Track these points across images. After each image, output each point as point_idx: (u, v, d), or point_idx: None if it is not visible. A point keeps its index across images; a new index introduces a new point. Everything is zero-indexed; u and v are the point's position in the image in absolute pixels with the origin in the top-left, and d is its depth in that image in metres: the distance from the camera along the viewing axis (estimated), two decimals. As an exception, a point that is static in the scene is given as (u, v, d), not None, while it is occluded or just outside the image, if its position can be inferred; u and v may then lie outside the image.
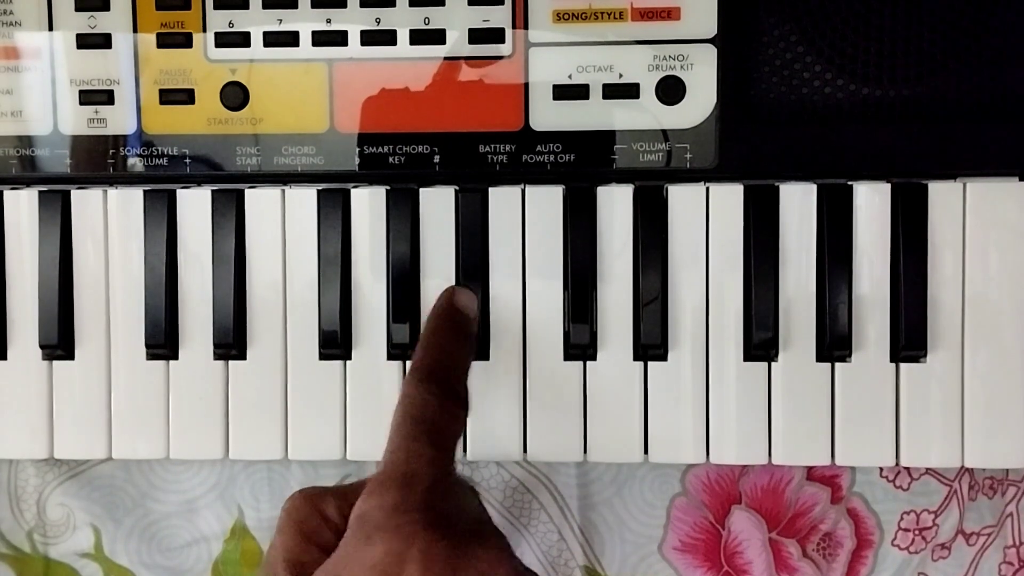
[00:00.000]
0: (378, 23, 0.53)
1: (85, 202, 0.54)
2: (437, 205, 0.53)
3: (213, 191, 0.54)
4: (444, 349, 0.48)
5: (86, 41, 0.54)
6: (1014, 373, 0.51)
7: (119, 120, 0.54)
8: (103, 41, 0.53)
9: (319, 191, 0.53)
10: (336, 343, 0.53)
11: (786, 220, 0.52)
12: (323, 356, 0.53)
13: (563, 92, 0.52)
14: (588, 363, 0.52)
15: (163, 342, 0.53)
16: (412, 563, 0.40)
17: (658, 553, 0.58)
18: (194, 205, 0.54)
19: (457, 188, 0.53)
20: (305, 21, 0.53)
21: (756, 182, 0.52)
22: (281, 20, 0.53)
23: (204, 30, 0.53)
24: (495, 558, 0.41)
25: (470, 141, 0.53)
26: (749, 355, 0.52)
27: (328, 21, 0.53)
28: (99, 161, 0.54)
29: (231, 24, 0.53)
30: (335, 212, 0.53)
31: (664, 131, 0.52)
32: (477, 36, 0.52)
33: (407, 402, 0.45)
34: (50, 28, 0.54)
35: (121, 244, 0.54)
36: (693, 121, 0.52)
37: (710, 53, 0.52)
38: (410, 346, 0.53)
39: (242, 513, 0.59)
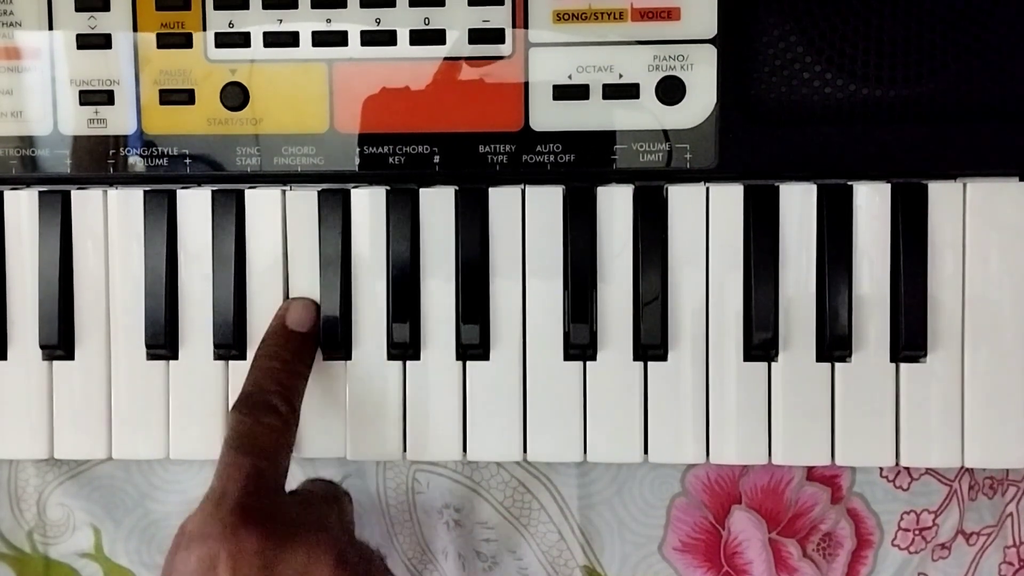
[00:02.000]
0: (378, 23, 0.53)
1: (85, 202, 0.54)
2: (437, 205, 0.53)
3: (213, 191, 0.54)
4: (261, 372, 0.50)
5: (86, 41, 0.54)
6: (1014, 373, 0.51)
7: (119, 120, 0.54)
8: (103, 41, 0.54)
9: (319, 191, 0.53)
10: (336, 343, 0.53)
11: (786, 220, 0.52)
12: (324, 356, 0.53)
13: (563, 92, 0.52)
14: (588, 363, 0.52)
15: (163, 342, 0.53)
16: (222, 564, 0.42)
17: (658, 553, 0.58)
18: (194, 205, 0.54)
19: (457, 188, 0.53)
20: (305, 21, 0.53)
21: (756, 182, 0.52)
22: (281, 20, 0.53)
23: (204, 30, 0.53)
24: (315, 552, 0.43)
25: (470, 141, 0.53)
26: (749, 355, 0.52)
27: (328, 21, 0.53)
28: (99, 161, 0.54)
29: (231, 24, 0.53)
30: (335, 212, 0.53)
31: (664, 131, 0.52)
32: (477, 36, 0.52)
33: (226, 431, 0.47)
34: (50, 28, 0.54)
35: (121, 244, 0.54)
36: (693, 121, 0.52)
37: (710, 53, 0.52)
38: (410, 346, 0.53)
39: (242, 513, 0.59)
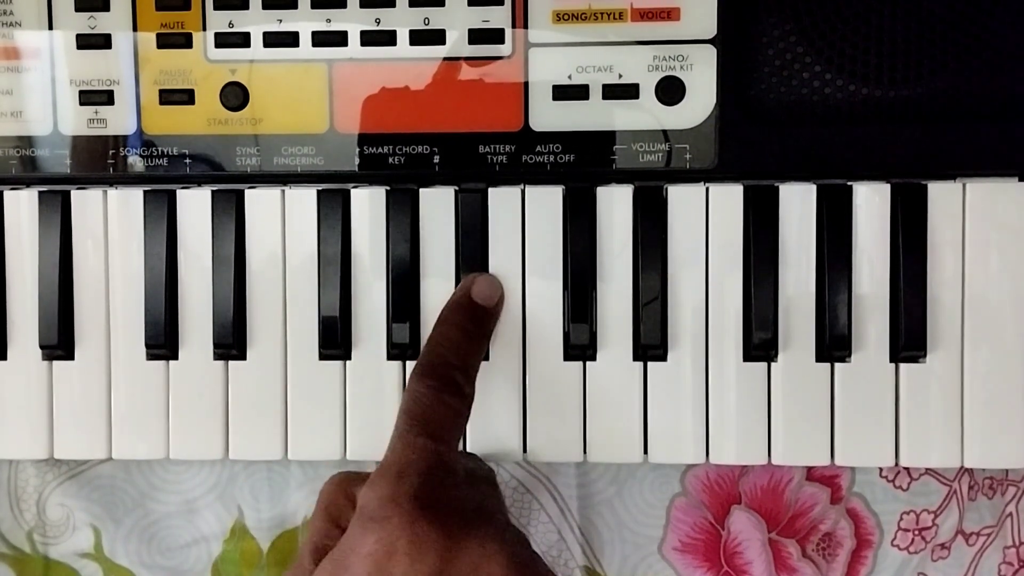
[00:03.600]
0: (378, 23, 0.53)
1: (85, 202, 0.54)
2: (437, 205, 0.53)
3: (213, 191, 0.54)
4: (447, 343, 0.49)
5: (86, 41, 0.54)
6: (1014, 373, 0.51)
7: (119, 120, 0.54)
8: (103, 41, 0.54)
9: (319, 191, 0.53)
10: (336, 343, 0.53)
11: (786, 220, 0.52)
12: (323, 356, 0.53)
13: (563, 92, 0.52)
14: (588, 363, 0.52)
15: (163, 342, 0.53)
16: (401, 553, 0.41)
17: (658, 553, 0.58)
18: (194, 205, 0.54)
19: (457, 188, 0.53)
20: (305, 21, 0.53)
21: (756, 182, 0.52)
22: (281, 20, 0.53)
23: (204, 30, 0.53)
24: (489, 548, 0.42)
25: (470, 141, 0.53)
26: (749, 355, 0.52)
27: (328, 21, 0.53)
28: (99, 161, 0.54)
29: (231, 24, 0.53)
30: (335, 212, 0.53)
31: (664, 131, 0.52)
32: (477, 36, 0.52)
33: (406, 398, 0.47)
34: (50, 28, 0.54)
35: (121, 244, 0.54)
36: (693, 121, 0.52)
37: (710, 53, 0.52)
38: (410, 346, 0.53)
39: (242, 513, 0.59)
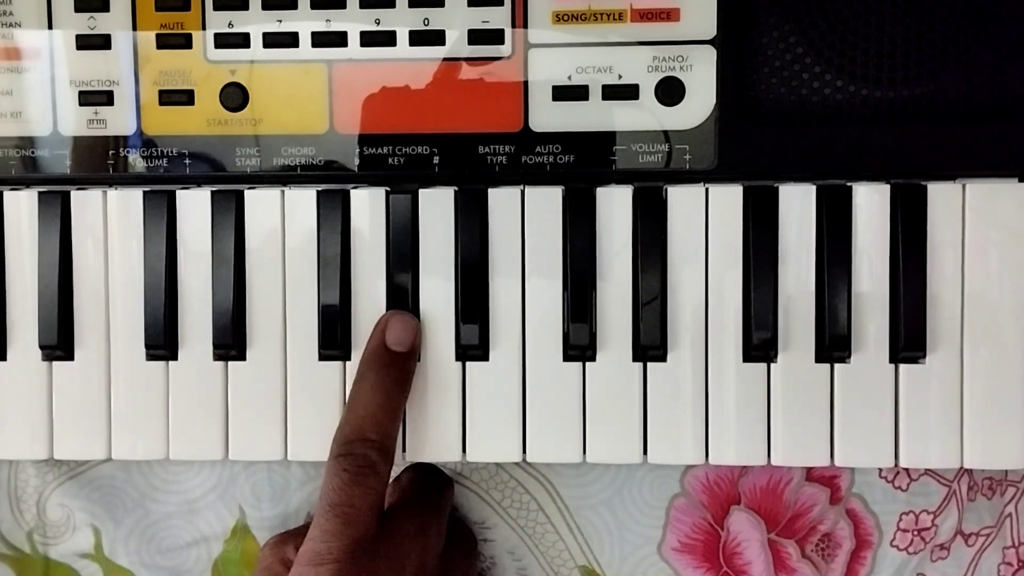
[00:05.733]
0: (378, 24, 0.53)
1: (85, 202, 0.54)
2: (437, 206, 0.53)
3: (213, 192, 0.54)
4: (365, 411, 0.50)
5: (86, 42, 0.54)
6: (1014, 373, 0.51)
7: (119, 121, 0.54)
8: (103, 42, 0.54)
9: (319, 192, 0.53)
10: (336, 343, 0.53)
11: (785, 221, 0.52)
12: (323, 356, 0.53)
13: (563, 93, 0.52)
14: (587, 364, 0.52)
15: (163, 342, 0.53)
16: None
17: (657, 554, 0.58)
18: (194, 205, 0.54)
19: (457, 189, 0.53)
20: (305, 21, 0.53)
21: (755, 183, 0.52)
22: (281, 21, 0.53)
23: (204, 30, 0.53)
24: None
25: (470, 142, 0.53)
26: (748, 356, 0.52)
27: (328, 22, 0.53)
28: (99, 162, 0.54)
29: (231, 25, 0.53)
30: (335, 212, 0.53)
31: (664, 132, 0.52)
32: (477, 37, 0.52)
33: (325, 481, 0.49)
34: (50, 28, 0.54)
35: (121, 244, 0.54)
36: (693, 122, 0.52)
37: (710, 54, 0.52)
38: (410, 346, 0.53)
39: (243, 513, 0.59)
